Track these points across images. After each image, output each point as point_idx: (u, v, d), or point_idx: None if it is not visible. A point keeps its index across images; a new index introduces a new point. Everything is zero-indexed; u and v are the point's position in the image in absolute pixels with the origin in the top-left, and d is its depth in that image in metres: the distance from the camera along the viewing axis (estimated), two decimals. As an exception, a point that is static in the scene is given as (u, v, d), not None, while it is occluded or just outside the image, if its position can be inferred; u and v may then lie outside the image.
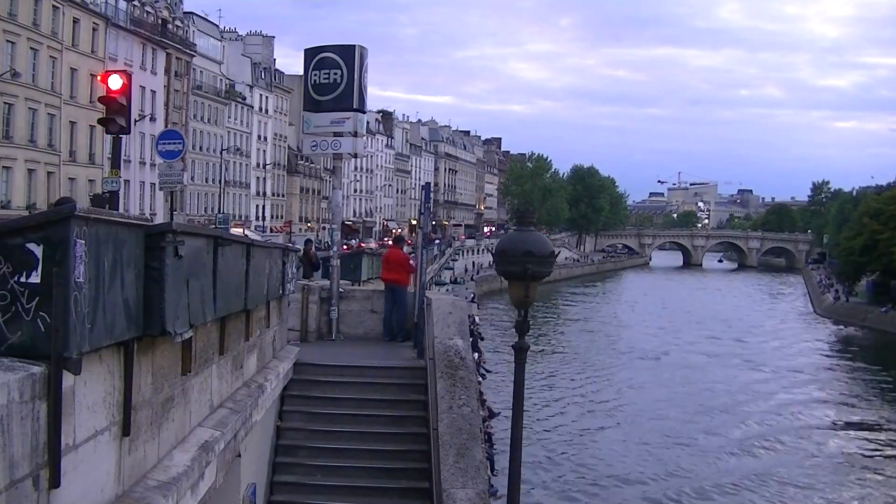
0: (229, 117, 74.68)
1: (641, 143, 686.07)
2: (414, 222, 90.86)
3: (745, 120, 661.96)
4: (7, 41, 43.27)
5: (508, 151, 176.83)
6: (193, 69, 67.81)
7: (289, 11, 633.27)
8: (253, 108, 79.69)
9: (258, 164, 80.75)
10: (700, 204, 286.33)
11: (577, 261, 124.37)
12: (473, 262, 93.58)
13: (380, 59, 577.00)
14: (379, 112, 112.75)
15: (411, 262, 16.64)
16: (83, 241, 4.09)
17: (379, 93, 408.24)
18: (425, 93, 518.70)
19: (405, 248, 19.69)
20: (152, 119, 57.25)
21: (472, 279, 79.71)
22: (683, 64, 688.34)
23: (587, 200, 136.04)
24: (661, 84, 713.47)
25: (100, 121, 15.34)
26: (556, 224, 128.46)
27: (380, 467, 11.09)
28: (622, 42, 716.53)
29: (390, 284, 15.93)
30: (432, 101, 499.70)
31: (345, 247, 49.35)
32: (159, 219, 48.33)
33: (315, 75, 15.90)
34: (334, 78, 15.72)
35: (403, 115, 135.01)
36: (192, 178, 64.08)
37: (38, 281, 3.93)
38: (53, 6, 47.12)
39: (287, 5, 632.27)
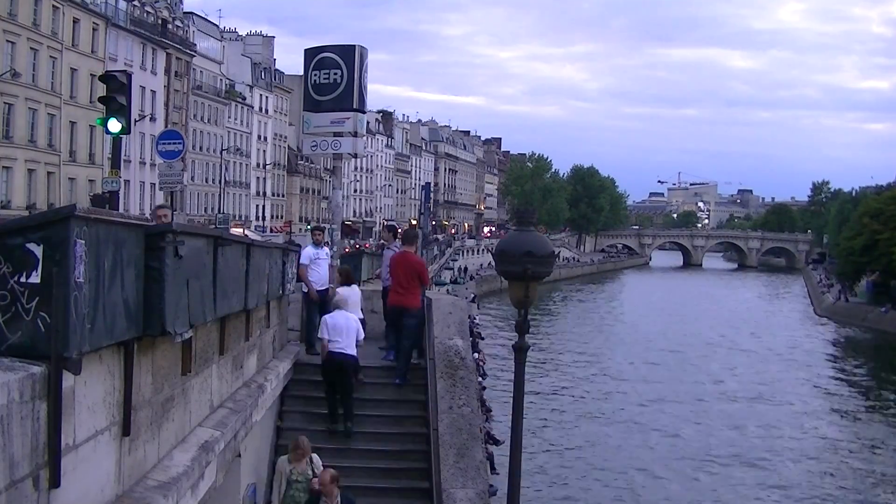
0: (229, 117, 74.68)
1: (671, 143, 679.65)
2: (414, 222, 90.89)
3: (776, 122, 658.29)
4: (7, 41, 43.27)
5: (508, 151, 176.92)
6: (193, 69, 67.80)
7: (335, 11, 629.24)
8: (253, 108, 79.68)
9: (258, 164, 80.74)
10: (700, 204, 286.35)
11: (578, 260, 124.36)
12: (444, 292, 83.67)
13: (420, 60, 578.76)
14: (379, 112, 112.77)
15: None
16: (83, 241, 4.09)
17: (412, 93, 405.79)
18: (460, 93, 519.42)
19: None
20: (152, 119, 57.25)
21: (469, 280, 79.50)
22: (727, 65, 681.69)
23: (587, 200, 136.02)
24: (699, 85, 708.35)
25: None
26: (556, 224, 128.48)
27: (380, 467, 11.09)
28: (669, 42, 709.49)
29: (398, 308, 12.40)
30: (464, 101, 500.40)
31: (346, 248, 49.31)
32: (159, 219, 48.25)
33: (315, 75, 15.92)
34: (334, 78, 15.74)
35: (404, 115, 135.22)
36: (192, 178, 64.07)
37: (38, 281, 3.93)
38: (53, 6, 47.12)
39: (334, 5, 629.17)
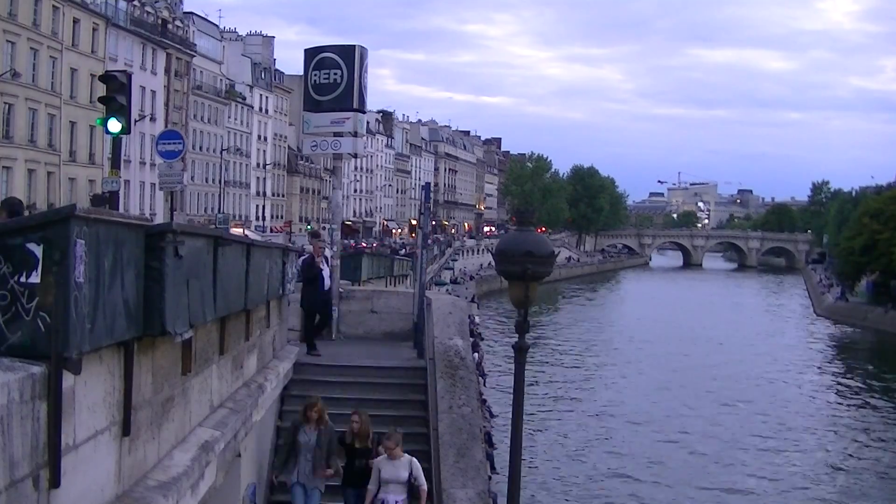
0: (229, 117, 74.66)
1: (703, 144, 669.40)
2: (414, 222, 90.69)
3: (804, 123, 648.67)
4: (7, 41, 43.24)
5: (508, 151, 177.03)
6: (193, 69, 67.79)
7: (377, 11, 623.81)
8: (253, 108, 79.67)
9: (258, 164, 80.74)
10: (700, 204, 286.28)
11: (578, 261, 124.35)
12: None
13: (458, 60, 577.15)
14: (379, 112, 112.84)
15: None
16: (83, 241, 4.09)
17: (437, 94, 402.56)
18: (491, 94, 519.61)
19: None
20: (152, 119, 57.23)
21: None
22: (764, 66, 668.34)
23: (587, 200, 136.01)
24: (733, 86, 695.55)
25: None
26: (555, 224, 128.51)
27: (380, 467, 11.08)
28: (712, 43, 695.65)
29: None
30: (491, 101, 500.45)
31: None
32: (159, 219, 48.31)
33: (315, 75, 15.90)
34: (334, 78, 15.71)
35: (404, 114, 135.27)
36: (192, 178, 64.05)
37: (38, 281, 3.93)
38: (53, 6, 47.10)
39: (377, 5, 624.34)
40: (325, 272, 13.84)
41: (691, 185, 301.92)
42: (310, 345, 13.56)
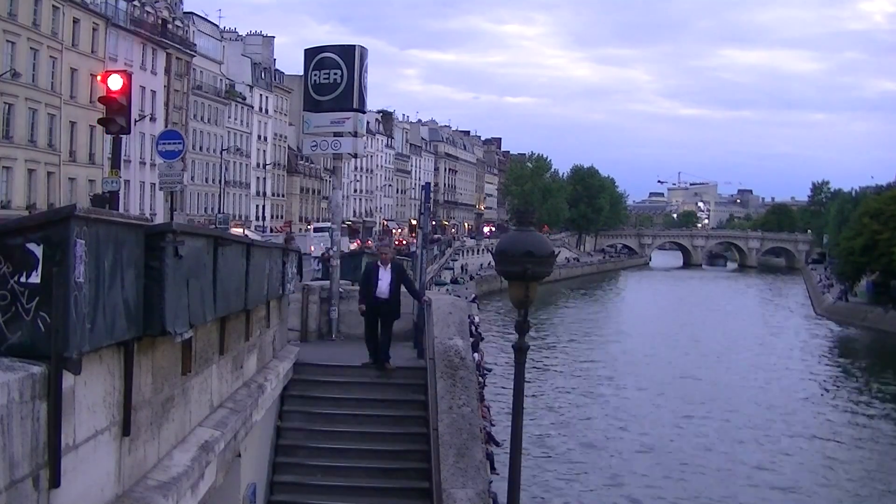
0: (229, 117, 74.66)
1: (723, 145, 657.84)
2: (414, 222, 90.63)
3: (824, 124, 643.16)
4: (7, 41, 43.26)
5: (508, 151, 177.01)
6: (193, 69, 67.79)
7: (412, 11, 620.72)
8: (253, 108, 79.67)
9: (258, 164, 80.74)
10: (700, 204, 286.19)
11: (578, 261, 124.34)
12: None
13: (488, 61, 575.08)
14: (379, 112, 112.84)
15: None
16: (83, 241, 4.09)
17: (461, 95, 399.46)
18: (513, 94, 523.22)
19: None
20: (152, 119, 57.24)
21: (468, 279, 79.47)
22: (794, 67, 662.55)
23: (587, 200, 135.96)
24: (759, 86, 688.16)
25: (100, 121, 15.37)
26: (555, 224, 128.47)
27: (380, 467, 11.09)
28: (746, 44, 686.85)
29: None
30: (514, 102, 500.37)
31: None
32: (159, 219, 48.29)
33: (315, 75, 15.89)
34: (334, 78, 15.70)
35: (404, 114, 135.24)
36: (192, 178, 64.07)
37: (38, 281, 3.93)
38: (53, 6, 47.11)
39: (412, 4, 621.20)
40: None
41: (691, 185, 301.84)
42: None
